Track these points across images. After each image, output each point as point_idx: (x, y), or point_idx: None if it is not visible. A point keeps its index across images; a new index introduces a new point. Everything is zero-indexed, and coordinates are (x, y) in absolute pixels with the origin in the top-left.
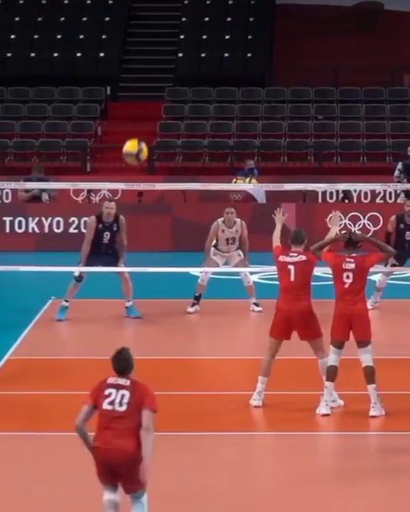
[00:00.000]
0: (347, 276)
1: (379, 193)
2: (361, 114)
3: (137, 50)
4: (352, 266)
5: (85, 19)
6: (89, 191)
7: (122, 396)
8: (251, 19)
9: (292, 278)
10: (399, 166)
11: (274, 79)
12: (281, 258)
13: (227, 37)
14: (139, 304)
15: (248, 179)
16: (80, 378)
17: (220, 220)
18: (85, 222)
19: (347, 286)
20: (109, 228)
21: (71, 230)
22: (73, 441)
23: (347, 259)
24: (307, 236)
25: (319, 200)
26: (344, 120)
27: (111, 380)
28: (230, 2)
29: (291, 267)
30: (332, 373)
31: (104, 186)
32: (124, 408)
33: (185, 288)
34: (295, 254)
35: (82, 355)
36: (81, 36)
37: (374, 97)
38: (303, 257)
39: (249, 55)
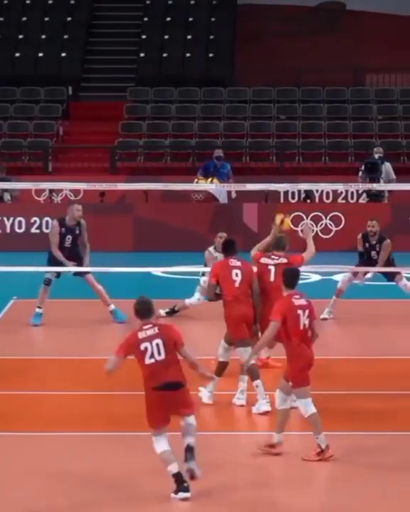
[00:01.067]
0: (236, 274)
1: (341, 192)
2: (323, 114)
3: (98, 50)
4: (239, 264)
5: (46, 19)
6: (51, 191)
7: (157, 345)
8: (213, 19)
9: (271, 278)
10: (362, 166)
11: (236, 79)
12: (263, 260)
13: (189, 37)
14: (98, 304)
15: (209, 179)
16: (38, 378)
17: (211, 248)
18: (48, 222)
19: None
20: (71, 231)
21: (33, 230)
22: (34, 441)
23: (233, 261)
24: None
25: (282, 200)
26: (306, 120)
27: (141, 335)
28: (192, 2)
29: (271, 268)
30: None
31: (66, 186)
32: (163, 356)
33: (147, 288)
34: (276, 257)
35: (41, 355)
36: (43, 36)
37: (336, 97)
38: (284, 260)
39: (211, 55)
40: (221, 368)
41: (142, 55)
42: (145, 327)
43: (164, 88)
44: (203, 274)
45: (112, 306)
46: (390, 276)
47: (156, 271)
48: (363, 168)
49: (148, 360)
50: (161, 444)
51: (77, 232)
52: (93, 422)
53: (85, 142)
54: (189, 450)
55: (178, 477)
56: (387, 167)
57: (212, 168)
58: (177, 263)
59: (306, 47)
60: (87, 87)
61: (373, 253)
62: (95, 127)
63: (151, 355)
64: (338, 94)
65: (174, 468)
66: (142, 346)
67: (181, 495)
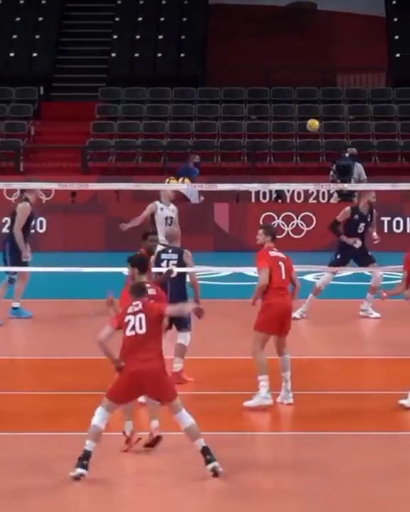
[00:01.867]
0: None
1: (312, 192)
2: (294, 113)
3: (70, 50)
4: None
5: (18, 19)
6: (22, 191)
7: (140, 320)
8: (184, 19)
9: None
10: (334, 166)
11: (207, 79)
12: (272, 253)
13: (160, 37)
14: (72, 304)
15: (180, 179)
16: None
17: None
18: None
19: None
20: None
21: (5, 230)
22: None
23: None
24: (239, 236)
25: (253, 200)
26: (277, 120)
27: (129, 309)
28: (163, 2)
29: (281, 264)
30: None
31: (38, 186)
32: (144, 330)
33: (118, 288)
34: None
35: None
36: (14, 36)
37: (307, 97)
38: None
39: (182, 55)
40: None
41: (113, 55)
42: (134, 303)
43: (136, 88)
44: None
45: (19, 303)
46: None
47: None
48: (334, 168)
49: (129, 332)
50: (99, 418)
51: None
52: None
53: (57, 142)
54: (204, 452)
55: (86, 455)
56: (358, 168)
57: (184, 173)
58: None
59: (277, 47)
60: (59, 87)
61: (361, 225)
62: (66, 127)
63: (133, 328)
64: (309, 94)
65: (89, 446)
66: (126, 319)
67: (77, 471)
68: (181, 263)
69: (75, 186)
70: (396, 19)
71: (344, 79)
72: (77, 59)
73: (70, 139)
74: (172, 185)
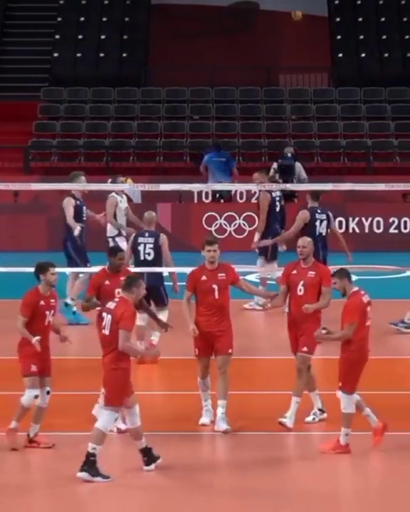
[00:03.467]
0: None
1: (255, 192)
2: (236, 114)
3: (12, 50)
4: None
5: None
6: None
7: (109, 320)
8: (127, 19)
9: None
10: (274, 165)
11: (150, 79)
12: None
13: (103, 37)
14: (13, 304)
15: (124, 178)
16: None
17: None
18: None
19: None
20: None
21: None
22: None
23: None
24: (182, 236)
25: (195, 200)
26: (220, 120)
27: (109, 304)
28: (105, 2)
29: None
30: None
31: None
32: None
33: (60, 287)
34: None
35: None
36: None
37: (250, 97)
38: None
39: (125, 55)
40: None
41: (55, 55)
42: (115, 299)
43: (78, 88)
44: None
45: None
46: None
47: (70, 271)
48: (275, 166)
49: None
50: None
51: None
52: None
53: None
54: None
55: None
56: (298, 167)
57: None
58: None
59: (220, 47)
60: (1, 87)
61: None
62: (8, 127)
63: (103, 327)
64: (252, 94)
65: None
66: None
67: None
68: (156, 247)
69: (17, 186)
70: (338, 19)
71: (286, 79)
72: (20, 59)
73: (12, 138)
74: (115, 185)
